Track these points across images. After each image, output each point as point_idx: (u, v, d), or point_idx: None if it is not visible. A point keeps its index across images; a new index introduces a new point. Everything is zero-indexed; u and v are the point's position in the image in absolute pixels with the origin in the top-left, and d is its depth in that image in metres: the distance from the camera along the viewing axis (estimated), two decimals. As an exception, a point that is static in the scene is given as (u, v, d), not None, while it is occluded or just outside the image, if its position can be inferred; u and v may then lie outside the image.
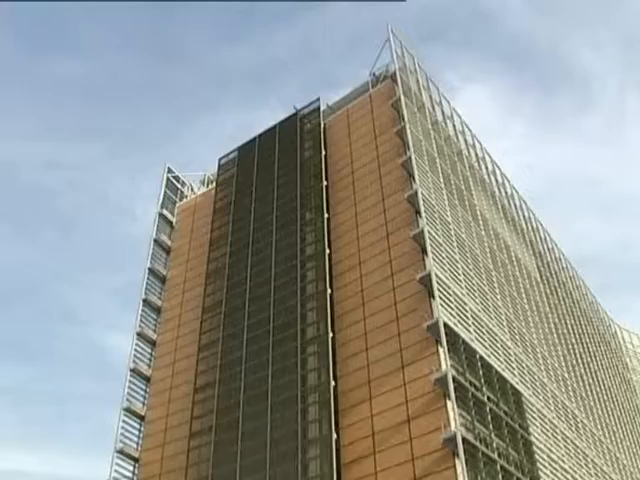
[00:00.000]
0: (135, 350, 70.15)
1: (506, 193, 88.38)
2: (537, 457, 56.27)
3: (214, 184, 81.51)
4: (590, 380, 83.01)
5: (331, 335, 55.96)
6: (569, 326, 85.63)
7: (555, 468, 58.99)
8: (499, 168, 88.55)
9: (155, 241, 78.76)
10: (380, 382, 51.95)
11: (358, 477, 48.84)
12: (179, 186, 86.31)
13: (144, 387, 68.72)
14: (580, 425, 71.23)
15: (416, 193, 58.50)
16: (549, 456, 58.84)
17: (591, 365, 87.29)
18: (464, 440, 45.23)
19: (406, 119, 64.66)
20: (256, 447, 53.62)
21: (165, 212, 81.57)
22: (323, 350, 55.35)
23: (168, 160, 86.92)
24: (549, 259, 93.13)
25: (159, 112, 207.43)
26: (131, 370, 68.23)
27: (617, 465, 77.97)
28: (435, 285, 52.26)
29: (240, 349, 60.49)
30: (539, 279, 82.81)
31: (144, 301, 73.62)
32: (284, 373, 56.10)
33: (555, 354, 74.40)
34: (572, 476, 62.28)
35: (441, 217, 61.03)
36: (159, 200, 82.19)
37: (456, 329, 52.26)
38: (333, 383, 53.17)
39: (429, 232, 56.10)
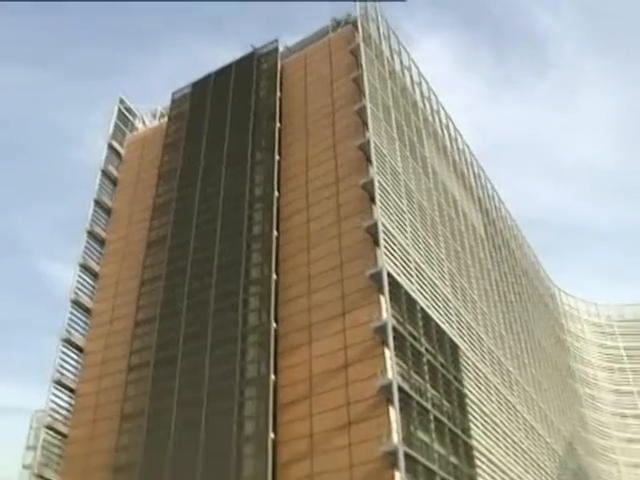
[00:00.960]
0: (77, 281, 69.43)
1: (458, 148, 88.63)
2: (469, 409, 57.57)
3: (166, 118, 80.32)
4: (526, 338, 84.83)
5: (275, 277, 56.07)
6: (510, 284, 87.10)
7: (486, 421, 60.44)
8: (453, 123, 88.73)
9: (103, 172, 77.49)
10: (320, 327, 52.25)
11: (294, 418, 49.32)
12: (130, 118, 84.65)
13: (84, 319, 68.19)
14: (513, 381, 72.95)
15: (368, 141, 58.24)
16: (481, 409, 60.20)
17: (528, 324, 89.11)
18: (399, 388, 45.87)
19: (364, 66, 63.99)
20: (194, 384, 53.74)
21: (114, 143, 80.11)
22: (265, 291, 55.38)
23: (121, 92, 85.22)
24: (495, 217, 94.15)
25: (116, 44, 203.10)
26: (72, 301, 67.58)
27: (546, 422, 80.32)
28: (381, 234, 52.41)
29: (182, 286, 60.24)
30: (484, 236, 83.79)
31: (88, 232, 72.66)
32: (225, 312, 56.12)
33: (494, 310, 75.75)
34: (502, 430, 63.93)
35: (392, 167, 61.07)
36: (109, 131, 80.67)
37: (399, 279, 52.73)
38: (274, 325, 53.41)
39: (379, 181, 56.10)
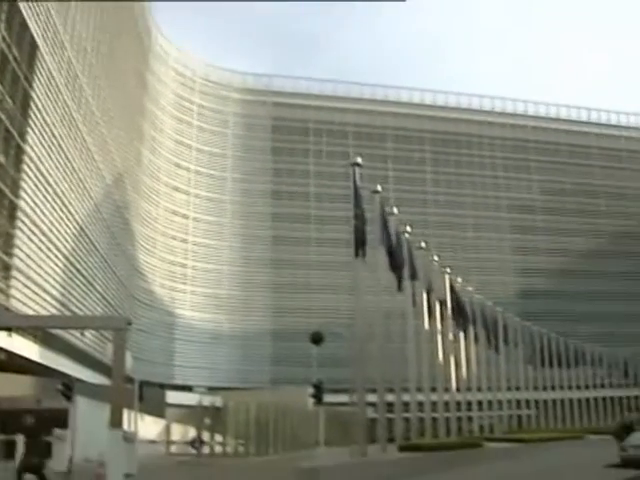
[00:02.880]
0: None
1: None
2: (32, 114, 55.86)
3: None
4: (108, 64, 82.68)
5: None
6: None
7: (45, 130, 59.27)
8: None
9: None
10: None
11: None
12: None
13: None
14: (84, 100, 72.16)
15: None
16: (43, 117, 58.83)
17: (118, 53, 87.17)
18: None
19: None
20: None
21: None
22: None
23: None
24: None
25: None
26: None
27: (104, 149, 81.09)
28: None
29: None
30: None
31: None
32: None
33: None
34: (59, 142, 63.55)
35: None
36: None
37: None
38: None
39: None
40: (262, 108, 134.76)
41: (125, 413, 31.02)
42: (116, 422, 27.61)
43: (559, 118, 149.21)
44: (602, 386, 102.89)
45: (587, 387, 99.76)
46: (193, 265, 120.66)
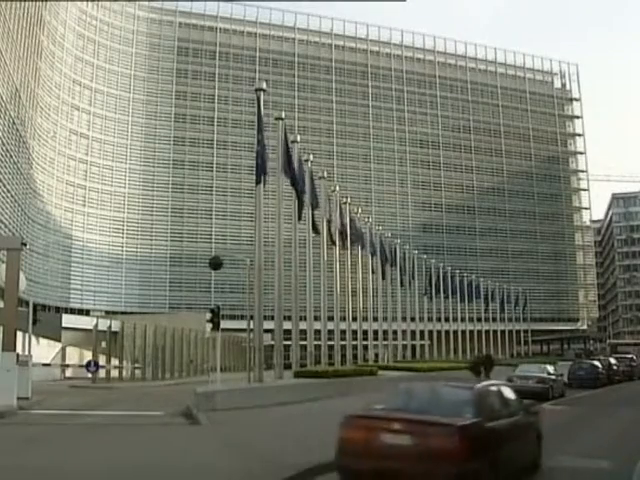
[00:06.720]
0: None
1: None
2: None
3: None
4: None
5: None
6: None
7: None
8: None
9: None
10: None
11: None
12: None
13: None
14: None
15: None
16: None
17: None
18: None
19: None
20: None
21: None
22: None
23: None
24: None
25: None
26: None
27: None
28: None
29: None
30: None
31: None
32: None
33: None
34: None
35: None
36: None
37: None
38: None
39: None
40: (168, 28, 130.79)
41: (19, 336, 30.35)
42: (9, 345, 26.96)
43: (466, 56, 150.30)
44: (494, 320, 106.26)
45: (479, 320, 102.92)
46: (92, 187, 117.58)
